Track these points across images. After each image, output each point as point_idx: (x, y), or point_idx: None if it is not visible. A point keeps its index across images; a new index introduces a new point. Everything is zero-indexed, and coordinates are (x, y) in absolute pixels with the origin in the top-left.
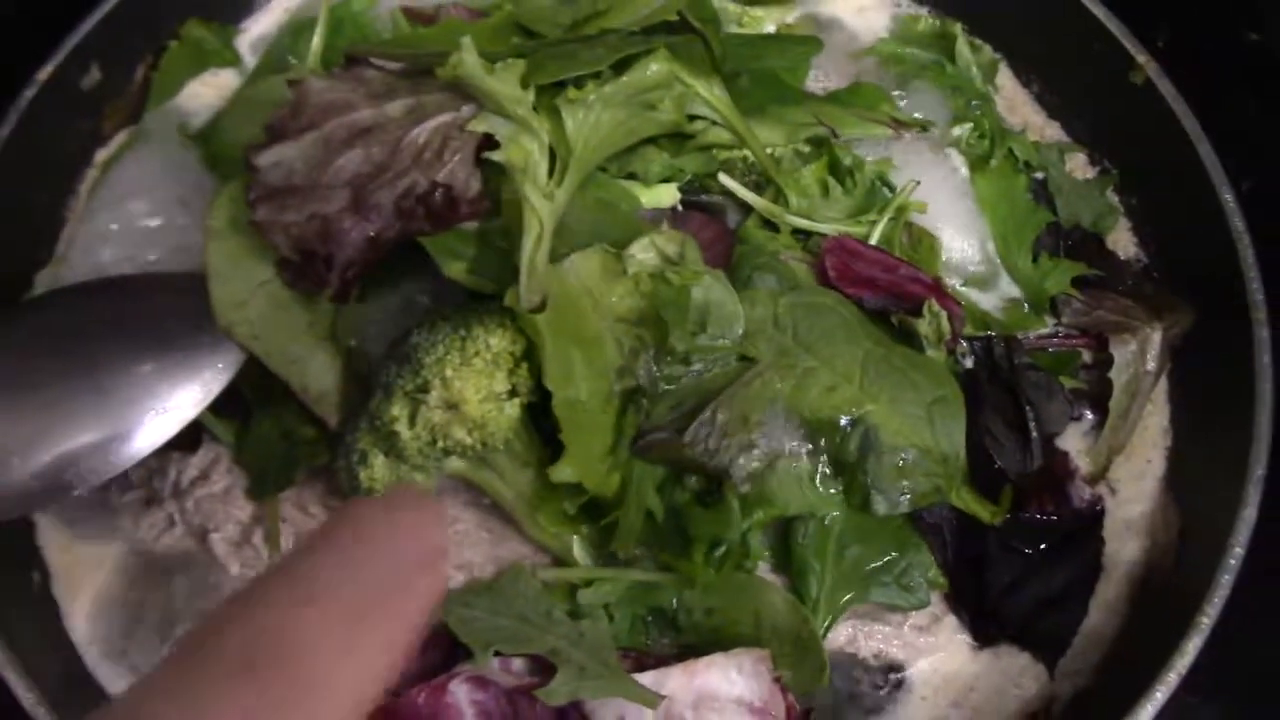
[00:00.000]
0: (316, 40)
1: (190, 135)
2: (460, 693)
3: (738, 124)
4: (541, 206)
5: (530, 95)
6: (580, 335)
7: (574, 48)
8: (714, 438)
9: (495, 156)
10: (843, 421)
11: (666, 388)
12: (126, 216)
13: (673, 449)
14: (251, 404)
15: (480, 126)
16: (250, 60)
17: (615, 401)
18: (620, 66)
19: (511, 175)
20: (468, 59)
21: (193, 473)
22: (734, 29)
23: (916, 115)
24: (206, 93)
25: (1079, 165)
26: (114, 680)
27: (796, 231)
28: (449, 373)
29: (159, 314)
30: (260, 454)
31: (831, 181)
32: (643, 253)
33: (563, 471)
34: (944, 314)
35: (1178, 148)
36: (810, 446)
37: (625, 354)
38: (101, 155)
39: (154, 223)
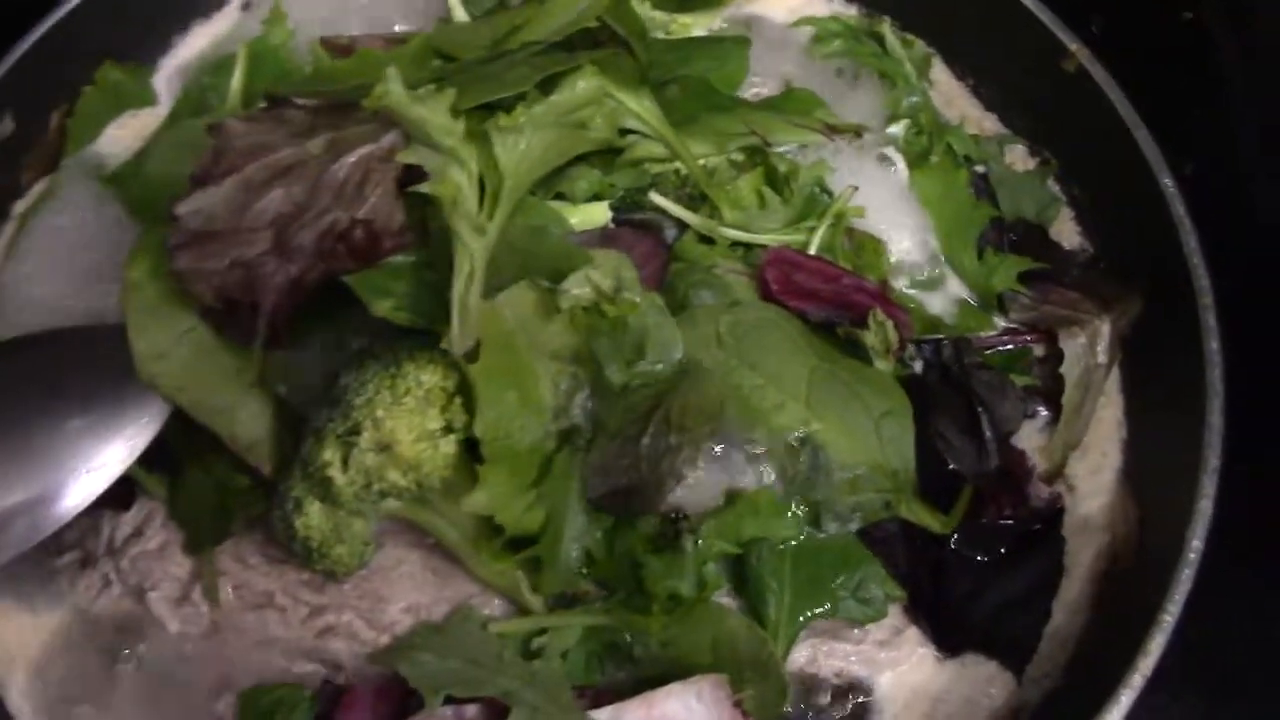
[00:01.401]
0: (236, 79)
1: (107, 178)
2: None
3: (669, 136)
4: (473, 242)
5: (461, 124)
6: (515, 378)
7: (496, 68)
8: (672, 435)
9: (424, 189)
10: (790, 439)
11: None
12: (48, 268)
13: (632, 502)
14: (181, 456)
15: (409, 158)
16: (166, 98)
17: (551, 441)
18: (546, 85)
19: (441, 210)
20: (393, 89)
21: (127, 530)
22: (660, 36)
23: (851, 119)
24: (125, 136)
25: (1019, 157)
26: None
27: (735, 243)
28: (380, 413)
29: (83, 369)
30: (194, 507)
31: (768, 191)
32: (577, 287)
33: (475, 501)
34: (889, 323)
35: (1115, 135)
36: (762, 470)
37: (561, 394)
38: (19, 207)
39: (76, 274)
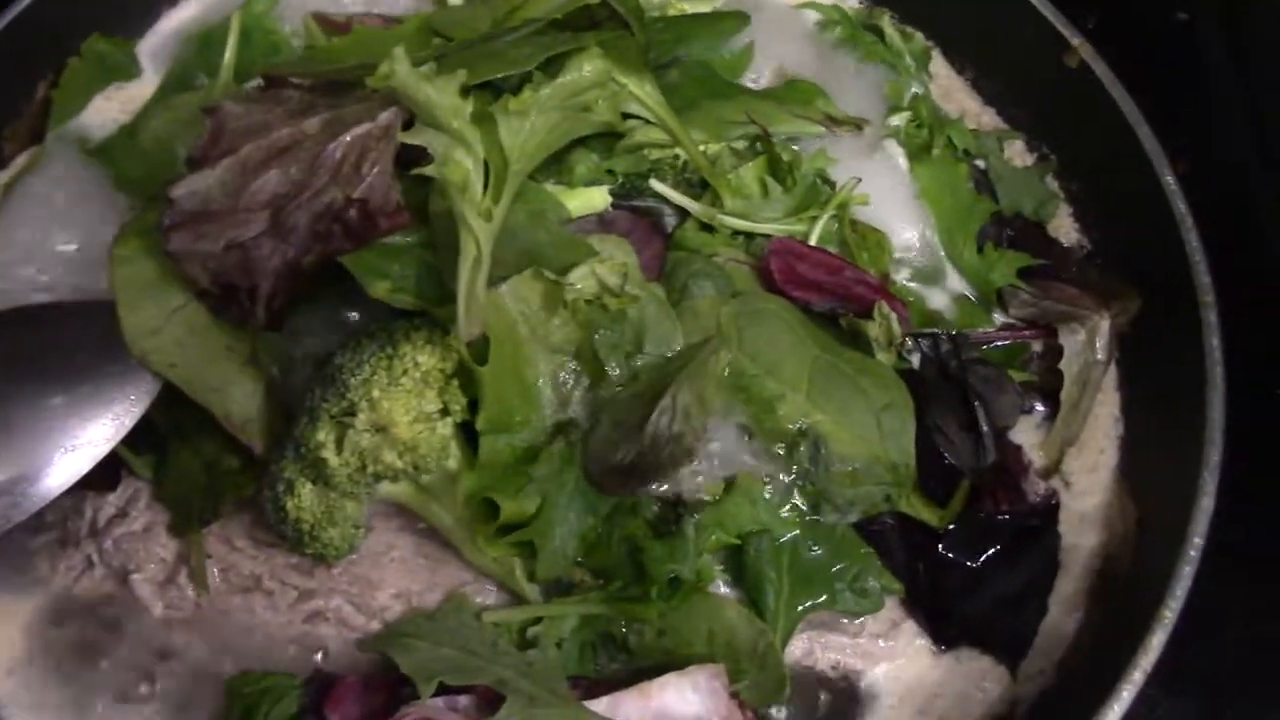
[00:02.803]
0: (229, 52)
1: (91, 151)
2: None
3: (671, 122)
4: (480, 228)
5: (469, 105)
6: (516, 372)
7: (499, 46)
8: (677, 422)
9: (429, 172)
10: (791, 431)
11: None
12: (29, 242)
13: (631, 482)
14: (168, 436)
15: (414, 139)
16: (150, 71)
17: (548, 433)
18: (550, 66)
19: (446, 194)
20: (400, 69)
21: (110, 511)
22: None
23: (851, 109)
24: (110, 108)
25: (1017, 152)
26: None
27: (736, 232)
28: (376, 394)
29: (64, 345)
30: (182, 488)
31: (770, 181)
32: (583, 281)
33: (471, 481)
34: (894, 315)
35: (1116, 132)
36: (761, 461)
37: (560, 388)
38: (2, 178)
39: (59, 247)
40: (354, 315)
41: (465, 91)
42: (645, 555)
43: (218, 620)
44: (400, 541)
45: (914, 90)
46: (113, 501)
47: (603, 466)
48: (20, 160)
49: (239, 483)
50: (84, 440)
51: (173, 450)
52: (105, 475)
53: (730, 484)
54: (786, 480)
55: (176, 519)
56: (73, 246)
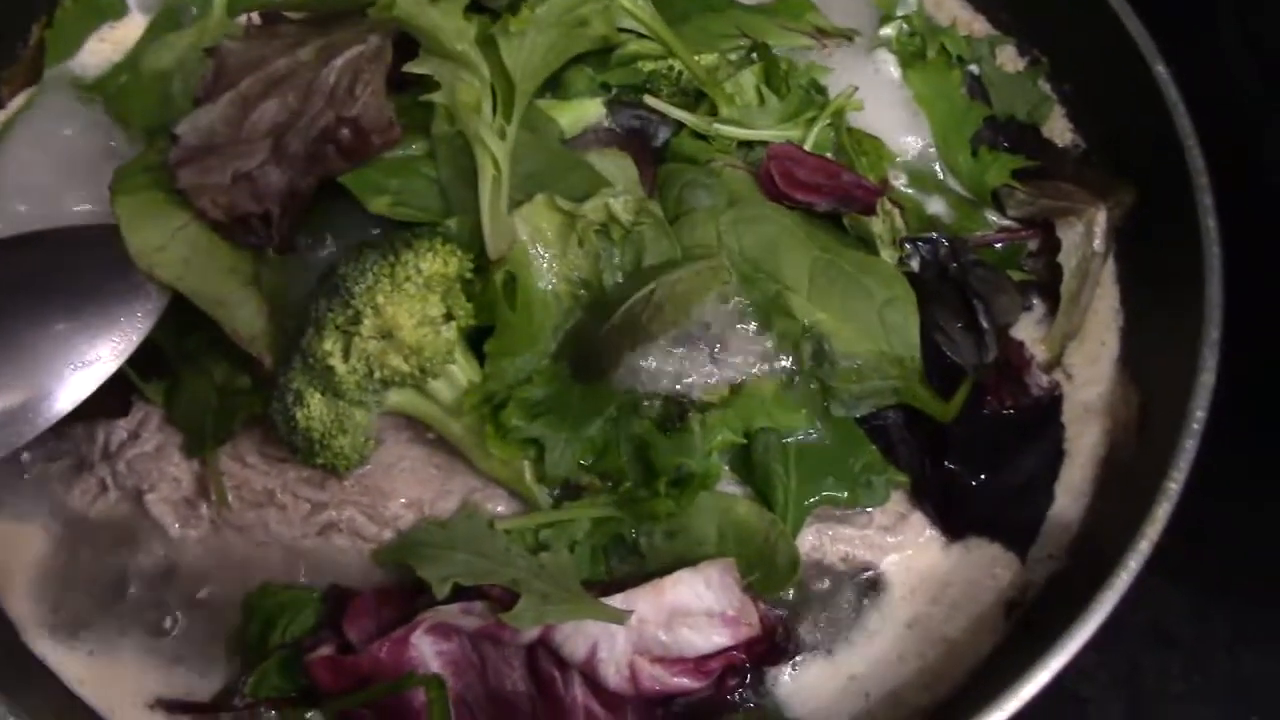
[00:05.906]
0: None
1: (88, 86)
2: (424, 644)
3: (664, 34)
4: (497, 147)
5: (472, 28)
6: (527, 298)
7: None
8: (648, 313)
9: (436, 99)
10: (795, 331)
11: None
12: (30, 176)
13: (591, 365)
14: (176, 362)
15: (419, 69)
16: (137, 11)
17: (550, 354)
18: None
19: (456, 117)
20: None
21: (122, 435)
22: None
23: (842, 21)
24: (104, 49)
25: (1009, 57)
26: (57, 655)
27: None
28: (380, 300)
29: (68, 267)
30: (193, 410)
31: (765, 89)
32: (595, 212)
33: (477, 390)
34: (897, 211)
35: (1104, 27)
36: (768, 362)
37: (561, 312)
38: None
39: (58, 185)
40: (355, 230)
41: (471, 16)
42: (652, 450)
43: (233, 537)
44: (410, 452)
45: (907, 1)
46: (124, 426)
47: (577, 352)
48: (17, 102)
49: (251, 401)
50: (92, 358)
51: (183, 376)
52: (115, 401)
53: (737, 387)
54: (793, 379)
55: (189, 441)
56: (68, 184)
